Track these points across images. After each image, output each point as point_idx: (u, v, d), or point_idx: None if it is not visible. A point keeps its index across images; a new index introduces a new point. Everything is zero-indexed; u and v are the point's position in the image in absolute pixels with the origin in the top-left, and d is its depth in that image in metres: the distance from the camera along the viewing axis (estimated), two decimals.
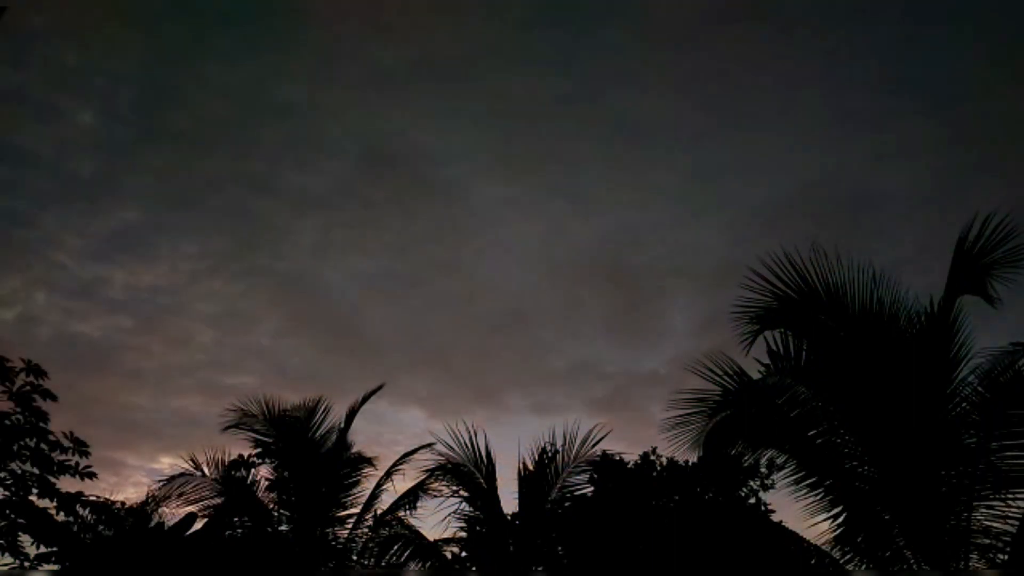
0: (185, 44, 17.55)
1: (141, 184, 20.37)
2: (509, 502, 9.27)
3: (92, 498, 8.04)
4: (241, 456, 10.02)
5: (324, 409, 9.99)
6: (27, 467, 7.68)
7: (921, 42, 17.69)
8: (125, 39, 17.05)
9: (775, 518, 12.14)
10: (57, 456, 7.85)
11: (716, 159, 20.79)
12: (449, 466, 9.10)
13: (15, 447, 7.61)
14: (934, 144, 18.85)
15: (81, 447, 7.97)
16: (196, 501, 9.30)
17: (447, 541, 9.62)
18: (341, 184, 21.74)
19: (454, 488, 9.19)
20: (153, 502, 8.99)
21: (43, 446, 7.76)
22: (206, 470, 9.65)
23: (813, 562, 6.47)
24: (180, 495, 9.27)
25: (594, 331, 25.93)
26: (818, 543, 6.49)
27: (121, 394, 22.83)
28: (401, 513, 9.60)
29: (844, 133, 19.76)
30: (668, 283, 23.71)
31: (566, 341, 26.11)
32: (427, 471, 9.38)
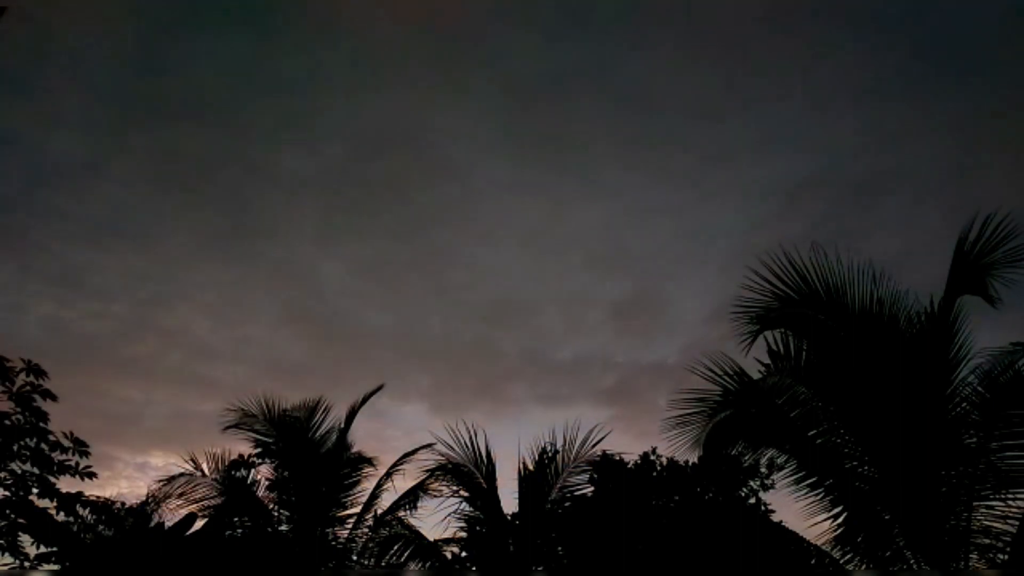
0: (176, 16, 16.46)
1: (131, 165, 19.58)
2: (509, 502, 9.28)
3: (92, 498, 8.04)
4: (241, 456, 10.02)
5: (324, 409, 10.01)
6: (27, 467, 7.69)
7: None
8: (112, 11, 15.89)
9: (775, 518, 12.13)
10: (57, 456, 7.86)
11: (729, 138, 19.82)
12: (449, 466, 9.10)
13: (15, 447, 7.62)
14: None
15: (81, 447, 7.98)
16: (196, 501, 9.30)
17: (447, 541, 9.61)
18: (338, 165, 21.02)
19: (454, 488, 9.19)
20: (153, 502, 8.99)
21: (43, 446, 7.77)
22: (206, 470, 9.65)
23: (813, 562, 6.47)
24: (180, 495, 9.27)
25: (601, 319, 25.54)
26: (818, 543, 6.49)
27: (111, 385, 22.60)
28: (401, 513, 9.60)
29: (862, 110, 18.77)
30: (678, 268, 23.16)
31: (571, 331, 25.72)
32: (427, 471, 9.39)
